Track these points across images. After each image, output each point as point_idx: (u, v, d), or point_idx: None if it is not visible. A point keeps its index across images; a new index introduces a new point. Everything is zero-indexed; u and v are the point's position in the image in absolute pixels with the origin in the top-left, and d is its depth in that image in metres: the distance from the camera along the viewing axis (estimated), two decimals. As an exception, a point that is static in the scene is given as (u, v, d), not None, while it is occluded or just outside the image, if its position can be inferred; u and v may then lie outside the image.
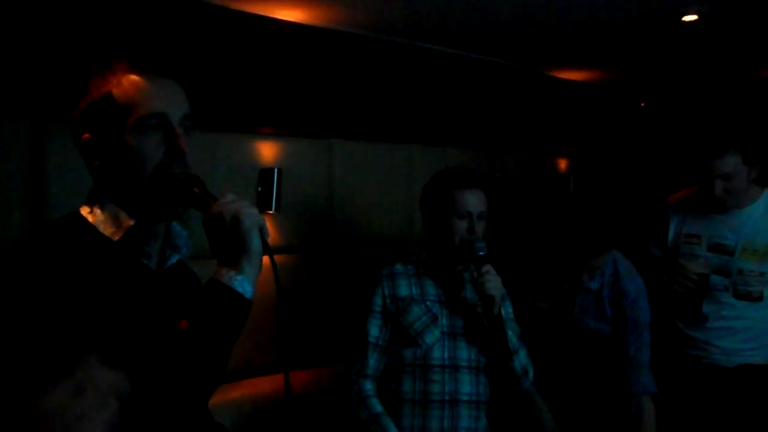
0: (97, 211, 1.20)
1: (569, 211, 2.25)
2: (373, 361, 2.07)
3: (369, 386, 2.04)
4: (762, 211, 2.19)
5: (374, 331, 2.09)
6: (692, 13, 3.15)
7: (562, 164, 4.68)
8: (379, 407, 2.01)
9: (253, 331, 2.79)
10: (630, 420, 2.21)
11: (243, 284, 1.12)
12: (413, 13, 3.03)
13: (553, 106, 4.53)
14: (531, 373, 2.10)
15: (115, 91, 1.18)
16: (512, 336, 2.07)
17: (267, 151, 2.91)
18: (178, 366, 1.05)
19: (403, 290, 2.10)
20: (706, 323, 2.27)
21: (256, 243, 1.14)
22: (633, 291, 2.23)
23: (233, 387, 2.57)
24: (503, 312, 2.04)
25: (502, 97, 4.13)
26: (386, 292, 2.10)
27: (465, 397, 2.02)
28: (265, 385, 2.67)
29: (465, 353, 2.04)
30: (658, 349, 2.33)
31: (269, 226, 2.87)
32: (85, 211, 1.21)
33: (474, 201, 2.04)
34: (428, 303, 2.08)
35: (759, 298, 2.18)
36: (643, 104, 5.14)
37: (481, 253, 1.99)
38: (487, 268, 1.97)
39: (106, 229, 1.18)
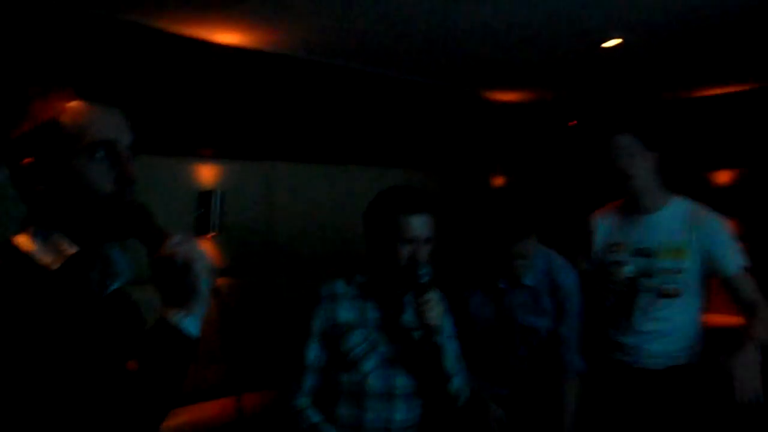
0: (33, 239, 1.18)
1: (489, 201, 2.33)
2: (308, 382, 2.05)
3: (304, 401, 2.04)
4: (671, 214, 2.36)
5: (311, 353, 2.05)
6: (616, 38, 3.34)
7: (498, 181, 4.84)
8: (316, 417, 2.01)
9: (199, 356, 2.77)
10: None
11: (191, 325, 1.13)
12: (352, 36, 3.09)
13: (488, 126, 4.68)
14: (463, 397, 2.11)
15: (63, 118, 1.18)
16: (451, 358, 2.10)
17: (207, 173, 2.91)
18: (129, 408, 1.06)
19: (343, 314, 2.06)
20: (637, 327, 2.38)
21: (205, 286, 1.15)
22: (568, 283, 2.33)
23: (181, 412, 2.54)
24: (444, 329, 2.05)
25: (439, 118, 4.25)
26: (326, 315, 2.06)
27: (398, 424, 2.02)
28: (212, 409, 2.65)
29: (402, 380, 2.02)
30: (589, 357, 2.45)
31: (209, 249, 2.85)
32: (18, 239, 1.20)
33: (419, 226, 1.98)
34: (368, 328, 2.05)
35: (676, 294, 2.33)
36: (572, 123, 5.36)
37: (423, 280, 1.98)
38: (429, 296, 1.94)
39: (44, 258, 1.17)
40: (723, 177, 5.10)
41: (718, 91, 4.99)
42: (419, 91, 4.06)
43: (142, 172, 2.71)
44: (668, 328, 2.36)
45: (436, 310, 1.93)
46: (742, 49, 3.68)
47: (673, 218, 2.35)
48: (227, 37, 2.95)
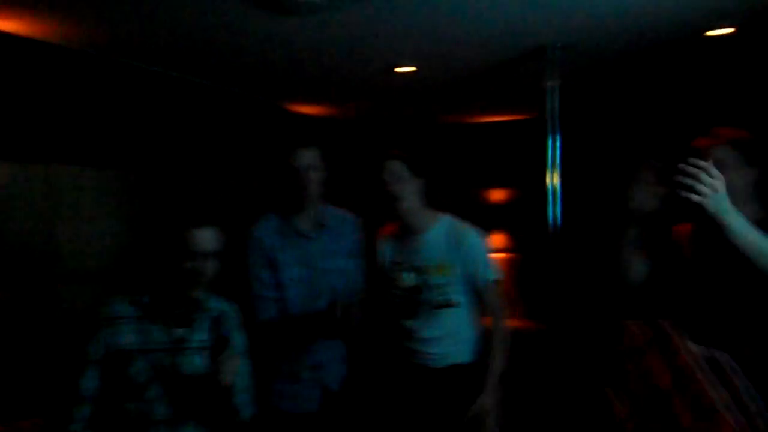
0: None
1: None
2: (82, 413, 1.91)
3: (77, 427, 1.92)
4: (437, 233, 2.62)
5: (87, 383, 1.93)
6: (409, 65, 3.59)
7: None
8: None
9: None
10: None
11: None
12: (138, 35, 2.96)
13: (290, 138, 4.73)
14: (248, 413, 2.12)
15: None
16: (242, 377, 2.10)
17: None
18: None
19: (125, 338, 1.95)
20: (417, 335, 2.61)
21: None
22: None
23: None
24: (234, 344, 2.05)
25: (240, 127, 4.22)
26: (105, 340, 1.94)
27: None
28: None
29: (189, 400, 1.97)
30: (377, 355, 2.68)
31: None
32: None
33: (205, 239, 1.95)
34: (152, 353, 1.96)
35: (454, 305, 2.59)
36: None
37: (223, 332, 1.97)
38: (226, 355, 1.92)
39: None
40: (496, 195, 5.68)
41: (495, 118, 5.58)
42: (212, 96, 4.01)
43: None
44: (446, 334, 2.60)
45: (231, 368, 1.91)
46: (512, 89, 4.18)
47: (438, 237, 2.60)
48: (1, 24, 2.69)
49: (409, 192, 2.54)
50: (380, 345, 2.74)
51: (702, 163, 1.63)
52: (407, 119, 5.40)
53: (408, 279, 2.59)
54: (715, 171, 1.64)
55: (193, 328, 2.03)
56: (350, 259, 2.62)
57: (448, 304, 2.58)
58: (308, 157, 2.49)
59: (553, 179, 3.31)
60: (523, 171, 5.32)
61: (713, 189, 1.63)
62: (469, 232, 2.62)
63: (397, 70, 3.68)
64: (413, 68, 3.65)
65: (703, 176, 1.62)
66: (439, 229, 2.61)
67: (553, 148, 3.30)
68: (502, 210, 5.54)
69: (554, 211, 3.32)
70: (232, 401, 1.99)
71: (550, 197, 3.31)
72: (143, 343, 1.95)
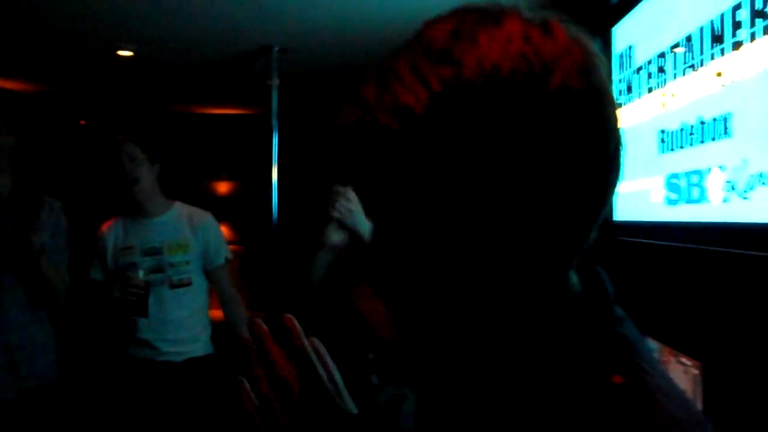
0: None
1: None
2: None
3: None
4: (175, 216, 2.68)
5: None
6: (127, 50, 3.51)
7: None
8: None
9: None
10: None
11: None
12: None
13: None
14: None
15: None
16: None
17: None
18: None
19: None
20: (155, 321, 2.57)
21: None
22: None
23: None
24: None
25: None
26: None
27: None
28: None
29: None
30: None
31: None
32: None
33: None
34: None
35: (189, 284, 2.63)
36: (83, 122, 5.29)
37: None
38: None
39: None
40: (222, 187, 5.77)
41: (222, 110, 5.65)
42: None
43: None
44: (183, 317, 2.62)
45: None
46: (239, 84, 4.32)
47: (173, 219, 2.66)
48: None
49: (146, 175, 2.56)
50: (100, 340, 2.66)
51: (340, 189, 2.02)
52: (133, 103, 5.21)
53: (142, 263, 2.56)
54: (351, 194, 2.01)
55: None
56: None
57: (188, 283, 2.62)
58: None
59: (273, 174, 3.54)
60: (247, 164, 5.48)
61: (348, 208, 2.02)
62: (205, 215, 2.72)
63: (120, 53, 3.57)
64: (132, 53, 3.59)
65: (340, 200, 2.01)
66: (176, 213, 2.67)
67: (274, 144, 3.54)
68: (227, 202, 5.64)
69: (276, 205, 3.56)
70: None
71: (274, 191, 3.53)
72: None
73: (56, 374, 2.43)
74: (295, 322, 0.64)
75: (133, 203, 2.60)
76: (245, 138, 5.50)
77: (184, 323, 2.64)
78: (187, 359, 2.63)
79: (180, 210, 2.69)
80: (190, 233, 2.64)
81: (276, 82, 3.52)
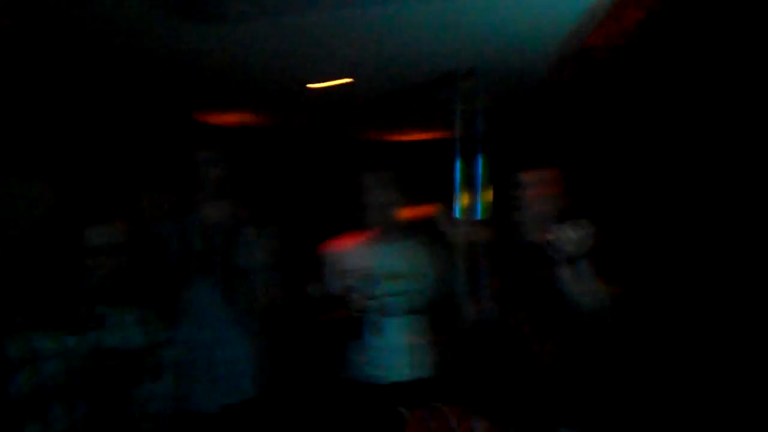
0: None
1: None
2: None
3: None
4: (414, 243, 2.63)
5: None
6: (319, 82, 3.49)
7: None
8: None
9: None
10: None
11: None
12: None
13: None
14: None
15: None
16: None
17: None
18: None
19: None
20: (382, 344, 2.54)
21: None
22: None
23: None
24: None
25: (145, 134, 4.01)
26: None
27: None
28: None
29: None
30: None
31: None
32: None
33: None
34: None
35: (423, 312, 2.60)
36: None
37: None
38: None
39: None
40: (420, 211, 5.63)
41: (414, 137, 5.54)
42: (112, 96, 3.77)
43: None
44: (411, 343, 2.57)
45: None
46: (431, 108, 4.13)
47: (414, 247, 2.62)
48: None
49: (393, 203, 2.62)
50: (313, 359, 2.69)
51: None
52: (321, 132, 5.30)
53: (376, 295, 2.53)
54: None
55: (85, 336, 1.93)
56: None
57: (420, 311, 2.59)
58: (209, 155, 2.53)
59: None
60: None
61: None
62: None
63: (310, 86, 3.57)
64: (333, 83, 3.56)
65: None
66: (412, 240, 2.64)
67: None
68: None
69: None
70: None
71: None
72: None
73: (257, 390, 2.49)
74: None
75: (377, 227, 2.61)
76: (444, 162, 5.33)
77: (413, 349, 2.58)
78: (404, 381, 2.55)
79: (418, 237, 2.65)
80: (427, 261, 2.60)
81: (477, 104, 3.30)
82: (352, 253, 2.62)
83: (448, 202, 3.52)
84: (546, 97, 3.94)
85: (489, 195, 3.34)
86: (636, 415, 2.48)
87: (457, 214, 3.28)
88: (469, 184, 3.31)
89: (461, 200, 3.30)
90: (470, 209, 3.31)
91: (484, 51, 2.91)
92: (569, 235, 1.99)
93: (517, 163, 2.36)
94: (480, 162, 3.33)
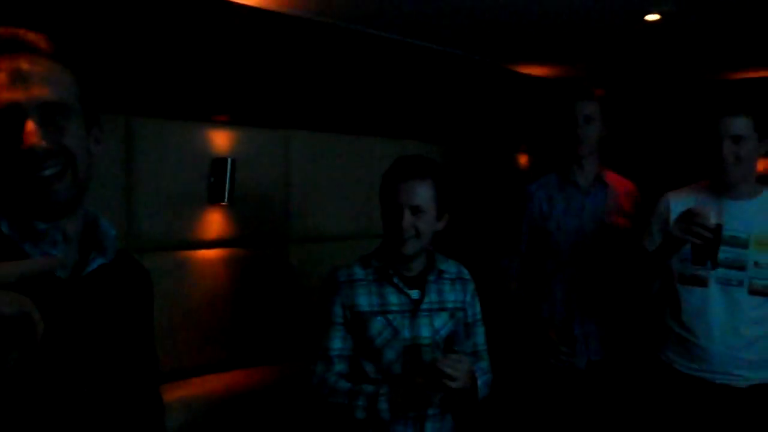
0: None
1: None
2: (337, 367, 1.94)
3: (333, 378, 1.94)
4: (763, 204, 2.18)
5: (336, 343, 1.94)
6: (655, 13, 3.14)
7: (522, 160, 4.67)
8: (348, 384, 1.89)
9: (201, 328, 2.70)
10: None
11: None
12: (373, 1, 2.94)
13: (514, 101, 4.50)
14: (483, 393, 2.00)
15: None
16: (480, 346, 2.08)
17: (220, 140, 2.80)
18: None
19: (363, 300, 1.94)
20: (722, 329, 2.13)
21: None
22: None
23: (182, 385, 2.48)
24: (472, 317, 2.07)
25: (464, 91, 4.08)
26: (345, 303, 1.94)
27: (430, 411, 1.93)
28: (214, 383, 2.59)
29: (421, 367, 1.89)
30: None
31: (220, 218, 2.75)
32: None
33: (407, 193, 1.88)
34: (389, 315, 1.94)
35: None
36: (600, 92, 5.13)
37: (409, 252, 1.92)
38: (453, 357, 1.80)
39: None
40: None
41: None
42: (442, 60, 3.90)
43: (156, 136, 2.67)
44: (758, 334, 2.13)
45: (460, 371, 1.76)
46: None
47: (764, 209, 2.18)
48: (246, -4, 2.82)
49: (751, 152, 2.18)
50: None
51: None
52: (642, 75, 4.82)
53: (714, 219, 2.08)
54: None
55: (426, 291, 1.98)
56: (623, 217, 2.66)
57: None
58: (587, 108, 2.60)
59: None
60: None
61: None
62: None
63: (648, 18, 3.22)
64: (658, 17, 3.18)
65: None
66: (765, 199, 2.22)
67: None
68: None
69: None
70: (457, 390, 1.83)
71: None
72: (379, 306, 1.95)
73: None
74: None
75: (717, 182, 2.23)
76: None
77: (759, 342, 2.15)
78: (753, 385, 2.14)
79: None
80: None
81: None
82: (682, 205, 2.20)
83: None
84: None
85: None
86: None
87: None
88: None
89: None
90: None
91: None
92: None
93: None
94: None
